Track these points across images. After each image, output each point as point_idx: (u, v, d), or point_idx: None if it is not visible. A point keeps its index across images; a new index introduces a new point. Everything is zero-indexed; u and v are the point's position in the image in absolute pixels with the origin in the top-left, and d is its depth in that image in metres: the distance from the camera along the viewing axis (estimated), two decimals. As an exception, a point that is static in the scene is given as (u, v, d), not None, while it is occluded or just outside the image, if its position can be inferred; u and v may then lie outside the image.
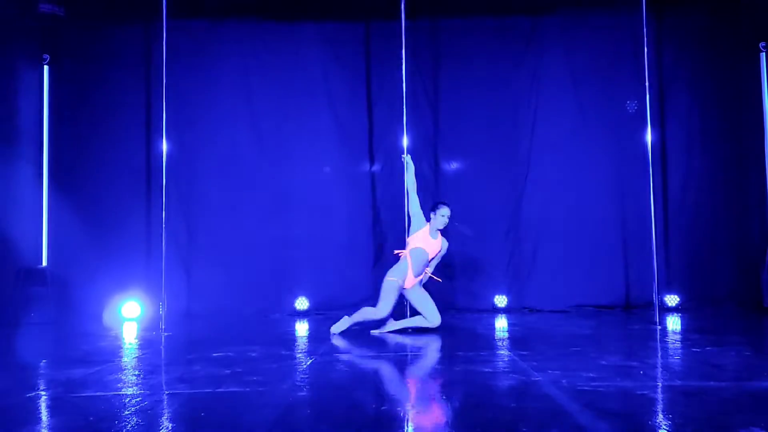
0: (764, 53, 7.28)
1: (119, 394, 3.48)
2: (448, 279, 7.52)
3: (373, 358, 4.63)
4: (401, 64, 6.44)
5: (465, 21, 7.75)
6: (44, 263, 7.22)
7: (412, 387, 3.61)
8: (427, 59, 7.73)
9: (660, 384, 3.55)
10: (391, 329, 5.72)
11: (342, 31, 7.80)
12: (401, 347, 5.11)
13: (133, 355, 4.97)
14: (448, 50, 7.75)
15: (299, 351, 5.01)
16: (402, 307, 5.93)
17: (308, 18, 7.75)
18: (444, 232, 5.89)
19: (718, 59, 7.62)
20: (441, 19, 7.76)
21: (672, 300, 7.24)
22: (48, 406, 3.31)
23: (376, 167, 7.69)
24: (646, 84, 6.37)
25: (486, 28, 7.76)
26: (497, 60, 7.73)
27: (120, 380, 3.90)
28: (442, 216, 5.70)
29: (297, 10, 7.71)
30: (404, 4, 6.37)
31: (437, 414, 3.01)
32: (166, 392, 3.56)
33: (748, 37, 7.45)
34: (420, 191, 7.50)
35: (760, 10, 7.28)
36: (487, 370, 3.99)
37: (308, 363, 4.38)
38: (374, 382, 3.80)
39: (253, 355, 4.69)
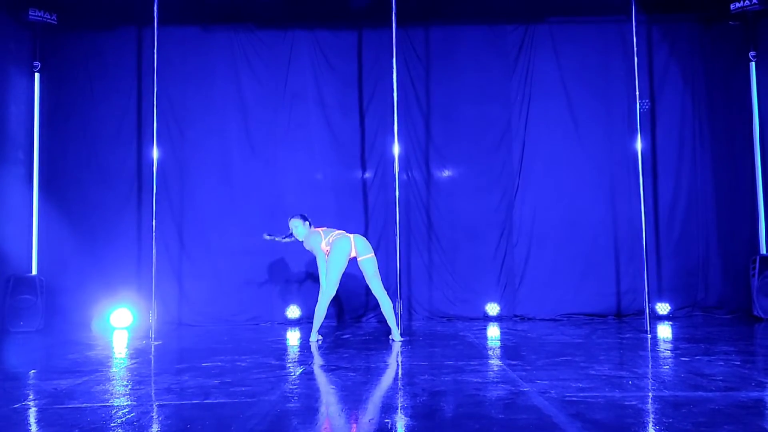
0: (754, 62, 7.33)
1: (106, 406, 3.46)
2: (440, 286, 7.55)
3: (362, 368, 4.61)
4: (393, 72, 6.45)
5: (457, 29, 7.78)
6: (34, 272, 7.18)
7: (401, 397, 3.60)
8: (419, 67, 7.76)
9: (649, 394, 3.56)
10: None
11: (334, 39, 7.81)
12: (391, 357, 5.10)
13: (122, 365, 4.94)
14: (439, 58, 7.77)
15: (290, 361, 4.99)
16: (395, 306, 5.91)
17: (300, 25, 7.76)
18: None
19: (708, 67, 7.67)
20: (433, 27, 7.79)
21: (663, 308, 7.25)
22: (34, 418, 3.29)
23: (367, 174, 7.69)
24: (637, 93, 6.39)
25: (478, 36, 7.79)
26: (489, 67, 7.75)
27: (108, 391, 3.88)
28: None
29: (289, 17, 7.72)
30: (396, 12, 6.39)
31: (425, 425, 3.00)
32: (155, 403, 3.55)
33: (738, 46, 7.51)
34: (411, 199, 7.61)
35: (750, 20, 7.34)
36: (476, 380, 3.98)
37: (298, 373, 4.37)
38: (363, 392, 3.78)
39: (243, 364, 4.68)
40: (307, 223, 5.92)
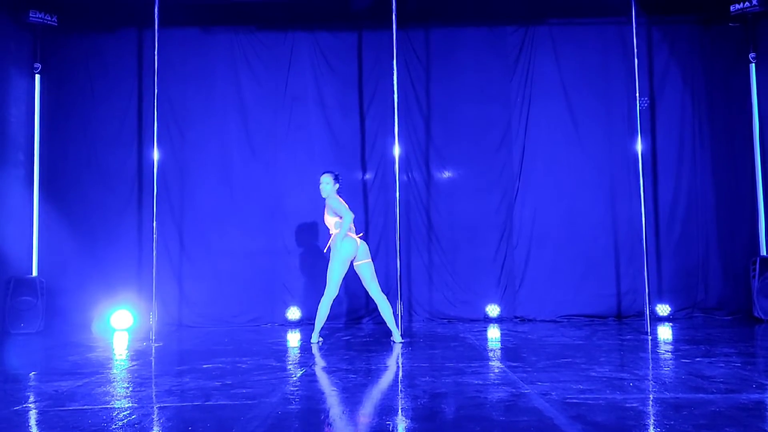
0: (754, 63, 7.34)
1: (107, 408, 3.47)
2: (440, 287, 7.55)
3: (363, 370, 4.62)
4: (393, 73, 6.45)
5: (457, 30, 7.78)
6: (34, 273, 7.18)
7: (402, 399, 3.60)
8: (419, 68, 7.76)
9: (650, 396, 3.56)
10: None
11: (334, 40, 7.81)
12: (391, 359, 5.11)
13: (123, 367, 4.94)
14: (440, 59, 7.77)
15: (290, 362, 5.00)
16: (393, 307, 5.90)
17: (301, 27, 7.77)
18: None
19: (708, 68, 7.67)
20: (433, 29, 7.79)
21: (663, 309, 7.25)
22: (34, 421, 3.29)
23: (368, 175, 7.68)
24: (637, 94, 6.40)
25: (478, 37, 7.79)
26: (489, 68, 7.75)
27: (108, 393, 3.88)
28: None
29: (289, 18, 7.72)
30: (396, 14, 6.39)
31: (426, 427, 3.00)
32: (155, 405, 3.55)
33: (737, 48, 7.52)
34: (412, 200, 7.61)
35: (750, 21, 7.34)
36: (477, 381, 3.98)
37: (298, 375, 4.37)
38: (364, 394, 3.78)
39: (244, 366, 4.68)
40: (337, 185, 5.90)
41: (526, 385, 3.83)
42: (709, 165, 7.62)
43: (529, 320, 7.36)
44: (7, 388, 4.11)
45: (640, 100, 6.42)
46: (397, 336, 5.82)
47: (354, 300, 7.39)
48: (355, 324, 7.35)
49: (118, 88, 7.64)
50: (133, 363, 5.06)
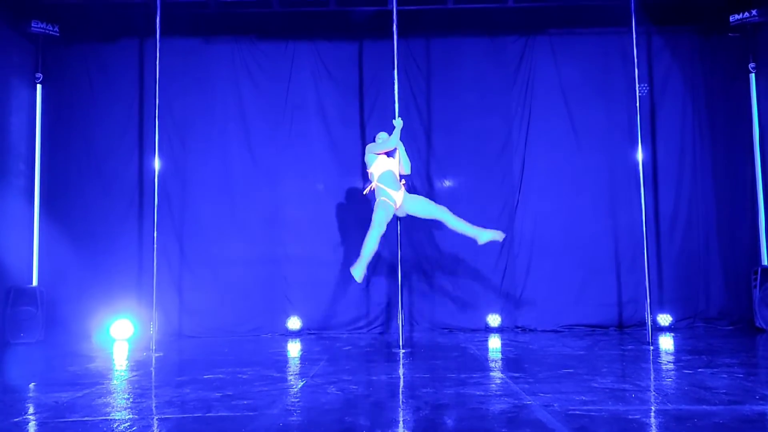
0: (753, 73, 7.35)
1: (107, 419, 3.45)
2: (441, 297, 7.53)
3: (364, 381, 4.60)
4: (393, 83, 6.46)
5: (457, 40, 7.80)
6: (34, 283, 7.16)
7: (403, 411, 3.58)
8: (420, 78, 7.77)
9: (652, 408, 3.54)
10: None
11: (335, 50, 7.83)
12: (393, 369, 5.09)
13: (123, 378, 4.92)
14: (440, 69, 7.79)
15: (291, 373, 4.98)
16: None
17: (302, 37, 7.79)
18: None
19: (708, 78, 7.68)
20: (434, 39, 7.81)
21: (664, 319, 7.23)
22: (34, 432, 3.28)
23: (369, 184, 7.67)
24: (638, 104, 6.40)
25: (478, 47, 7.81)
26: (490, 78, 7.76)
27: (109, 404, 3.87)
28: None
29: (290, 29, 7.75)
30: (397, 24, 6.40)
31: (428, 440, 2.99)
32: (156, 417, 3.53)
33: (737, 58, 7.53)
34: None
35: (749, 32, 7.36)
36: (478, 393, 3.97)
37: (299, 386, 4.35)
38: (365, 405, 3.77)
39: (244, 377, 4.66)
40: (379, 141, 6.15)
41: (528, 396, 3.81)
42: (709, 174, 7.62)
43: (530, 330, 7.34)
44: (7, 398, 4.09)
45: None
46: (484, 235, 5.87)
47: (355, 310, 7.37)
48: (355, 334, 7.32)
49: (120, 97, 7.65)
50: (134, 373, 5.04)
